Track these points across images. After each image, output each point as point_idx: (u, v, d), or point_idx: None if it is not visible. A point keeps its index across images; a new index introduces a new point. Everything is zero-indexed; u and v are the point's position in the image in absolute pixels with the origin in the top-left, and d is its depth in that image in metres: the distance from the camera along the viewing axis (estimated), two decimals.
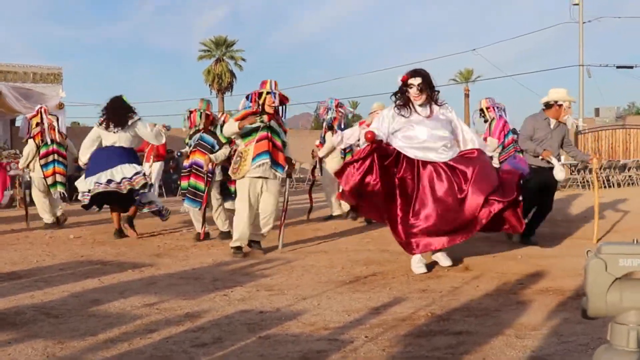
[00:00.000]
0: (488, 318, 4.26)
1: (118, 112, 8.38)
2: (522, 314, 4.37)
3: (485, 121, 8.70)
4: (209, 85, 44.50)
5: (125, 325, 4.18)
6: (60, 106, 14.56)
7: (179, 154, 10.86)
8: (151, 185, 8.82)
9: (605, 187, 17.75)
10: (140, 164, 8.79)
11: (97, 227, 9.84)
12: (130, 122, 8.34)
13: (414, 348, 3.64)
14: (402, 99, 6.04)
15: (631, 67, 28.95)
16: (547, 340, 3.73)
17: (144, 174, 8.43)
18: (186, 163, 8.29)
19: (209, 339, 3.87)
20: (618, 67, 28.60)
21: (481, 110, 8.74)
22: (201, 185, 8.04)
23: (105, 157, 8.30)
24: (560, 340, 3.72)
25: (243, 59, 45.93)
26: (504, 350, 3.57)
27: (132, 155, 8.51)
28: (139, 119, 8.47)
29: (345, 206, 10.08)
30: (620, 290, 1.52)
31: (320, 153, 10.11)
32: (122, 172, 8.21)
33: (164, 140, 8.97)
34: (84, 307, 4.71)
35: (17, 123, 16.70)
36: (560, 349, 3.58)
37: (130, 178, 8.22)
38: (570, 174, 18.75)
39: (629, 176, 19.41)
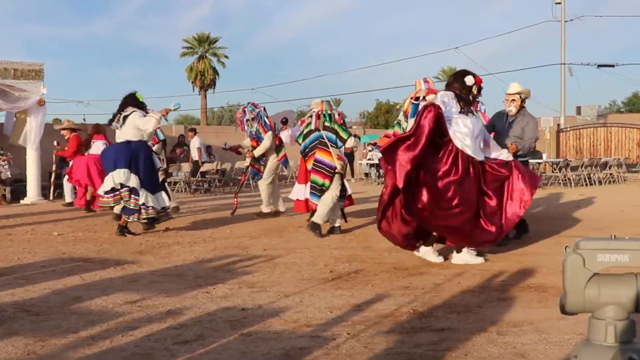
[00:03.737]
0: (470, 315, 4.29)
1: (118, 109, 8.41)
2: (503, 310, 4.40)
3: None
4: (192, 82, 44.31)
5: (106, 322, 4.16)
6: (41, 102, 14.46)
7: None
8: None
9: (586, 184, 17.91)
10: (150, 156, 8.42)
11: (79, 224, 9.78)
12: (122, 116, 8.25)
13: (396, 345, 3.65)
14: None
15: (612, 66, 29.22)
16: (528, 337, 3.75)
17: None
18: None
19: (191, 336, 3.86)
20: (599, 65, 28.86)
21: None
22: (321, 180, 8.30)
23: (111, 155, 8.31)
24: (542, 336, 3.75)
25: (226, 56, 45.83)
26: (485, 347, 3.59)
27: (138, 149, 8.23)
28: (134, 111, 8.24)
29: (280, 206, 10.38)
30: (598, 285, 1.53)
31: (256, 152, 10.10)
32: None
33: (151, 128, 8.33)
34: (66, 304, 4.68)
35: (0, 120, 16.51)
36: (541, 345, 3.61)
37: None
38: (552, 172, 18.90)
39: (610, 174, 19.60)
